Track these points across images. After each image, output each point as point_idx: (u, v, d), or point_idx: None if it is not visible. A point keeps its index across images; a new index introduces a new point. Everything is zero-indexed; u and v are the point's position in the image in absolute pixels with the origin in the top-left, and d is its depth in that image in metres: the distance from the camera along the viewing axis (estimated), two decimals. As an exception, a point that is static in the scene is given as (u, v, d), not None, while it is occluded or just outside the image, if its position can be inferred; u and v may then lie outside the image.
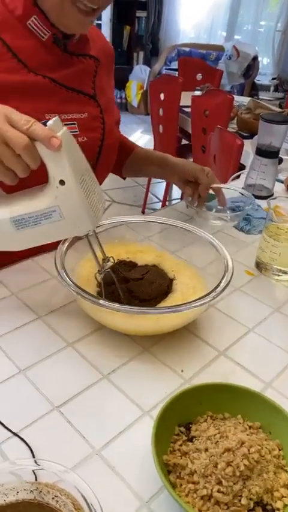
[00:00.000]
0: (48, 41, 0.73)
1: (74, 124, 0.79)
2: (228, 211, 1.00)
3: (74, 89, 0.79)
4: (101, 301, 0.57)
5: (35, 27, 0.72)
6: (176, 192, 3.25)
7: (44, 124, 0.51)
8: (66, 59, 0.77)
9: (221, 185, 0.99)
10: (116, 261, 0.67)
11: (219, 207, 0.99)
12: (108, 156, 0.89)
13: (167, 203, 2.90)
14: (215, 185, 0.97)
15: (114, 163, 1.02)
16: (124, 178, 1.12)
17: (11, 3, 0.71)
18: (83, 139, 0.80)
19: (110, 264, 0.64)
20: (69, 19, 0.70)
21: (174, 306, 0.58)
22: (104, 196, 0.61)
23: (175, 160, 0.99)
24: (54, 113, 0.74)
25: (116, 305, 0.57)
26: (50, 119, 0.72)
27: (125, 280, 0.67)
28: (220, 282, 0.62)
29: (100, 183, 0.65)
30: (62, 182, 0.52)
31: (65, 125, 0.75)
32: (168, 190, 2.89)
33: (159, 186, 3.28)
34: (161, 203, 3.04)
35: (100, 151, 0.85)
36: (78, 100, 0.80)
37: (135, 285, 0.67)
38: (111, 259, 0.65)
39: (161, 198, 2.98)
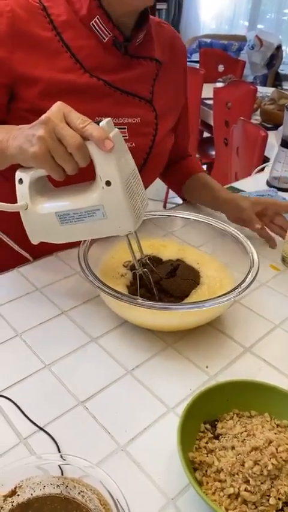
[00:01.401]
0: (108, 43, 0.73)
1: (124, 128, 0.78)
2: None
3: (130, 92, 0.77)
4: (125, 297, 0.57)
5: (98, 28, 0.71)
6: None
7: (97, 123, 0.51)
8: (125, 61, 0.76)
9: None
10: (149, 260, 0.67)
11: None
12: (155, 164, 0.86)
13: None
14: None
15: (162, 172, 1.00)
16: (185, 200, 1.04)
17: (76, 2, 0.71)
18: (131, 144, 0.78)
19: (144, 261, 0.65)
20: None
21: (199, 301, 0.58)
22: (147, 198, 0.61)
23: (225, 197, 0.90)
24: (105, 116, 0.73)
25: (140, 300, 0.57)
26: (99, 120, 0.73)
27: (158, 278, 0.67)
28: (246, 278, 0.60)
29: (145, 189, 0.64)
30: (108, 183, 0.53)
31: None
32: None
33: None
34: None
35: (147, 158, 0.83)
36: (132, 104, 0.78)
37: (168, 282, 0.66)
38: (147, 260, 0.65)
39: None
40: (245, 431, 0.46)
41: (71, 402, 0.54)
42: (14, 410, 0.53)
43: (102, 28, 0.71)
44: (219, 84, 2.75)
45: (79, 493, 0.42)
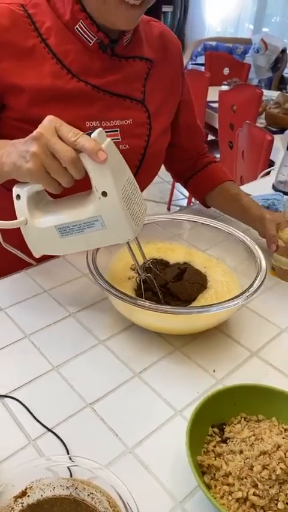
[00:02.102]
0: (94, 46, 0.72)
1: (117, 131, 0.77)
2: None
3: (120, 94, 0.76)
4: (134, 300, 0.58)
5: (82, 32, 0.71)
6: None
7: (89, 135, 0.51)
8: (113, 63, 0.75)
9: None
10: (152, 264, 0.67)
11: None
12: (150, 165, 0.85)
13: (193, 199, 2.88)
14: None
15: (184, 179, 0.99)
16: (208, 207, 1.01)
17: (60, 8, 0.70)
18: (125, 146, 0.77)
19: (148, 265, 0.65)
20: (115, 15, 0.67)
21: (206, 305, 0.58)
22: (145, 202, 0.61)
23: (254, 215, 0.86)
24: (95, 120, 0.74)
25: (148, 304, 0.57)
26: (91, 126, 0.73)
27: (165, 282, 0.67)
28: (253, 282, 0.61)
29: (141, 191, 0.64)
30: (104, 194, 0.53)
31: (107, 132, 0.74)
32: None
33: (184, 183, 3.25)
34: (186, 200, 3.02)
35: (142, 159, 0.82)
36: (123, 106, 0.77)
37: (175, 285, 0.66)
38: (150, 264, 0.66)
39: (187, 195, 2.96)
40: (253, 435, 0.47)
41: (79, 404, 0.55)
42: (23, 411, 0.54)
43: (87, 32, 0.71)
44: (225, 87, 2.75)
45: (88, 494, 0.42)
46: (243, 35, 5.08)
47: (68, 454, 0.49)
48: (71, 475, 0.44)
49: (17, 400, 0.55)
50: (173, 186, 2.93)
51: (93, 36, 0.71)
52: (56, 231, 0.58)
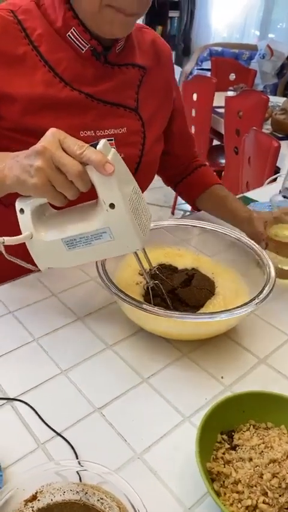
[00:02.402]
0: (87, 53, 0.71)
1: (112, 140, 0.76)
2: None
3: (113, 102, 0.75)
4: (143, 305, 0.58)
5: (75, 39, 0.69)
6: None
7: (94, 146, 0.51)
8: (106, 71, 0.74)
9: None
10: (159, 270, 0.67)
11: None
12: (146, 172, 0.84)
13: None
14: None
15: (173, 183, 1.00)
16: (198, 210, 1.01)
17: (52, 14, 0.69)
18: (120, 155, 0.76)
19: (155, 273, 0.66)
20: (110, 24, 0.66)
21: (215, 312, 0.58)
22: (149, 208, 0.61)
23: (242, 216, 0.86)
24: (89, 130, 0.73)
25: (156, 309, 0.57)
26: (86, 135, 0.72)
27: (173, 287, 0.67)
28: (263, 289, 0.61)
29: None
30: (112, 206, 0.52)
31: None
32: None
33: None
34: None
35: (138, 167, 0.81)
36: (116, 114, 0.76)
37: (183, 291, 0.67)
38: (156, 271, 0.66)
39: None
40: (263, 443, 0.47)
41: (87, 409, 0.55)
42: (32, 415, 0.54)
43: (79, 39, 0.69)
44: (230, 93, 2.76)
45: (98, 500, 0.42)
46: (249, 41, 5.10)
47: (77, 458, 0.49)
48: (80, 480, 0.44)
49: (26, 404, 0.55)
50: (178, 191, 2.94)
51: (86, 43, 0.70)
52: (63, 244, 0.57)
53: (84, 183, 0.51)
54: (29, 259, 0.67)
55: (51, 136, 0.50)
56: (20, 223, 0.57)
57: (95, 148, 0.50)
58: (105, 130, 0.75)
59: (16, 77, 0.68)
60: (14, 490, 0.40)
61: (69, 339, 0.65)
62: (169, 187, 1.04)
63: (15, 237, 0.57)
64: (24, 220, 0.57)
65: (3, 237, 0.56)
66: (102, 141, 0.51)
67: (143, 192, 0.87)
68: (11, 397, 0.56)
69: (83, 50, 0.70)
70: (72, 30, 0.69)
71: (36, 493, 0.42)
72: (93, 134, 0.73)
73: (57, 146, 0.50)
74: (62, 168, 0.50)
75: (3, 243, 0.56)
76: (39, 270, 0.63)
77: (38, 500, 0.42)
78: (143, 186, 0.87)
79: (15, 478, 0.43)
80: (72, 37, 0.69)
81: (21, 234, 0.58)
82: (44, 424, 0.53)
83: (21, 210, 0.57)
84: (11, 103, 0.68)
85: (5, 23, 0.67)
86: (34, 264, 0.69)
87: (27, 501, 0.41)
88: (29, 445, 0.50)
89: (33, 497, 0.42)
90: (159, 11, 4.93)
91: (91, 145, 0.51)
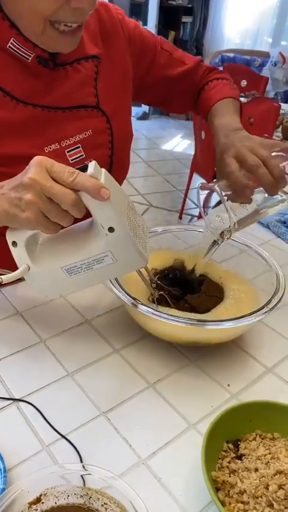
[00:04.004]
0: (33, 62, 0.65)
1: (79, 147, 0.72)
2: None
3: (72, 106, 0.71)
4: (151, 310, 0.58)
5: (17, 50, 0.64)
6: (215, 197, 3.22)
7: (83, 170, 0.48)
8: (57, 75, 0.69)
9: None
10: (165, 276, 0.67)
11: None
12: (120, 169, 0.80)
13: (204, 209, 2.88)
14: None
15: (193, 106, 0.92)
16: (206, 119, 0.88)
17: None
18: (90, 161, 0.66)
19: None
20: (53, 42, 0.63)
21: (223, 320, 0.58)
22: (144, 221, 0.58)
23: (217, 124, 0.78)
24: (53, 143, 0.69)
25: (165, 315, 0.57)
26: (51, 150, 0.68)
27: (180, 294, 0.68)
28: (272, 299, 0.61)
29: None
30: (111, 229, 0.50)
31: (69, 151, 0.71)
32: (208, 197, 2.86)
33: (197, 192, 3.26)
34: (198, 209, 3.02)
35: (111, 167, 0.78)
36: (78, 117, 0.71)
37: (193, 297, 0.67)
38: (158, 281, 0.65)
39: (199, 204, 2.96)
40: (269, 453, 0.46)
41: (92, 412, 0.55)
42: (37, 416, 0.54)
43: (21, 49, 0.64)
44: (242, 100, 2.76)
45: (102, 505, 0.42)
46: (262, 48, 5.10)
47: (81, 462, 0.49)
48: (84, 484, 0.44)
49: (32, 405, 0.55)
50: (185, 195, 2.94)
51: (29, 52, 0.64)
52: (63, 272, 0.53)
53: (80, 210, 0.48)
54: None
55: (38, 166, 0.47)
56: (14, 257, 0.54)
57: (85, 171, 0.48)
58: (70, 139, 0.71)
59: None
60: (19, 492, 0.40)
61: (76, 341, 0.65)
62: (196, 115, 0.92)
63: (12, 274, 0.54)
64: (19, 253, 0.54)
65: (1, 276, 0.54)
66: (92, 164, 0.48)
67: (120, 185, 0.82)
68: (17, 397, 0.56)
69: (28, 59, 0.65)
70: (12, 41, 0.63)
71: (40, 495, 0.42)
72: (58, 146, 0.70)
73: (45, 176, 0.46)
74: (54, 199, 0.47)
75: (2, 282, 0.53)
76: None
77: (42, 502, 0.42)
78: (119, 180, 0.82)
79: (20, 479, 0.43)
80: (13, 48, 0.64)
81: (15, 263, 0.54)
82: (49, 426, 0.53)
83: (14, 243, 0.53)
84: None
85: None
86: None
87: (31, 503, 0.41)
88: (33, 446, 0.50)
89: (38, 500, 0.41)
90: (172, 17, 4.95)
91: (80, 168, 0.48)
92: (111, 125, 0.76)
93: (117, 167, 0.79)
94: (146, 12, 4.77)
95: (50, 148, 0.69)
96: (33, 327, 0.67)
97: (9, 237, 0.53)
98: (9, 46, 0.64)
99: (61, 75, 0.70)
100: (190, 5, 5.10)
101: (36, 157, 0.47)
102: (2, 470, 0.45)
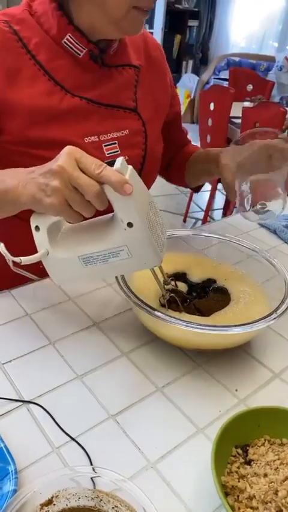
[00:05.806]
0: (85, 58, 0.71)
1: (115, 144, 0.76)
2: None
3: (114, 105, 0.76)
4: (160, 314, 0.58)
5: (71, 45, 0.70)
6: (219, 201, 3.23)
7: (111, 164, 0.50)
8: (104, 73, 0.74)
9: None
10: (174, 281, 0.67)
11: None
12: (150, 172, 0.85)
13: (209, 213, 2.89)
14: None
15: (164, 174, 1.00)
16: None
17: (46, 22, 0.69)
18: (124, 158, 0.75)
19: (171, 286, 0.66)
20: (132, 25, 0.68)
21: (231, 325, 0.58)
22: (164, 221, 0.60)
23: (214, 153, 0.84)
24: (93, 135, 0.73)
25: (174, 319, 0.58)
26: (90, 141, 0.72)
27: (189, 298, 0.68)
28: (281, 305, 0.61)
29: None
30: (130, 224, 0.52)
31: (106, 145, 0.74)
32: (211, 201, 2.87)
33: (202, 195, 3.27)
34: (203, 212, 3.02)
35: (142, 168, 0.82)
36: (117, 116, 0.77)
37: (201, 302, 0.67)
38: (172, 283, 0.66)
39: (204, 208, 2.97)
40: (278, 459, 0.47)
41: (101, 415, 0.55)
42: (47, 418, 0.54)
43: (76, 44, 0.70)
44: (247, 104, 2.77)
45: (113, 507, 0.42)
46: (267, 52, 5.12)
47: (91, 464, 0.49)
48: (94, 486, 0.44)
49: (41, 407, 0.55)
50: (190, 199, 2.95)
51: (83, 48, 0.70)
52: (80, 261, 0.56)
53: (102, 202, 0.50)
54: (32, 270, 0.67)
55: (68, 156, 0.49)
56: (35, 241, 0.57)
57: (112, 166, 0.49)
58: (108, 134, 0.75)
59: (17, 88, 0.68)
60: (31, 493, 0.41)
61: (85, 344, 0.66)
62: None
63: (32, 256, 0.56)
64: (40, 238, 0.56)
65: (20, 257, 0.56)
66: (120, 160, 0.50)
67: (150, 187, 0.87)
68: (26, 399, 0.56)
69: (80, 54, 0.71)
70: (68, 36, 0.69)
71: (52, 497, 0.42)
72: (97, 139, 0.74)
73: (74, 166, 0.49)
74: (79, 189, 0.49)
75: (21, 263, 0.55)
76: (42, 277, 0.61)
77: (54, 504, 0.42)
78: (148, 185, 0.87)
79: (30, 481, 0.43)
80: (68, 43, 0.70)
81: (36, 249, 0.57)
82: (59, 428, 0.53)
83: (37, 228, 0.56)
84: (14, 116, 0.68)
85: (1, 34, 0.67)
86: (38, 274, 0.68)
87: (43, 505, 0.41)
88: (43, 448, 0.51)
89: (49, 502, 0.42)
90: (178, 20, 4.97)
91: (108, 163, 0.50)
92: (146, 128, 0.81)
93: (148, 169, 0.83)
94: (153, 15, 4.80)
95: (89, 139, 0.73)
96: (43, 329, 0.67)
97: (33, 222, 0.56)
98: (65, 41, 0.70)
99: (107, 74, 0.75)
100: (196, 9, 5.13)
101: (67, 147, 0.50)
102: (13, 471, 0.45)
